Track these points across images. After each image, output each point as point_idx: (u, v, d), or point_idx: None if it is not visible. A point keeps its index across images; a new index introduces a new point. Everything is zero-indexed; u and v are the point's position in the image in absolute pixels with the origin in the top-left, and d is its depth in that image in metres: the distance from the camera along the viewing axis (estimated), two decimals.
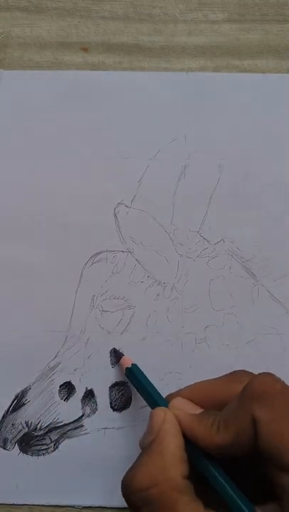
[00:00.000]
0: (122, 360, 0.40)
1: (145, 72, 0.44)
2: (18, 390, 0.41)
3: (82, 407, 0.41)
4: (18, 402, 0.41)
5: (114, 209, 0.43)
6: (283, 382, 0.31)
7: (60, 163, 0.43)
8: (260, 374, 0.31)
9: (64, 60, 0.44)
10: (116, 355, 0.41)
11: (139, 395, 0.39)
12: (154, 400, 0.35)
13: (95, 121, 0.43)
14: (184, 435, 0.32)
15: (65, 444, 0.41)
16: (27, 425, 0.41)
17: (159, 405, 0.34)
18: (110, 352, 0.41)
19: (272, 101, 0.44)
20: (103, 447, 0.40)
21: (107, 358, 0.41)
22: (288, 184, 0.43)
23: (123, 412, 0.41)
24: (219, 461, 0.31)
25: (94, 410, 0.41)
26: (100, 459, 0.40)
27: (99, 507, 0.40)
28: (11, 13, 0.45)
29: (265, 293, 0.42)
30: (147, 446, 0.31)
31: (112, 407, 0.41)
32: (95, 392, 0.41)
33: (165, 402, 0.35)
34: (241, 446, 0.29)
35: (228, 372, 0.35)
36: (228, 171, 0.43)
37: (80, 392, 0.41)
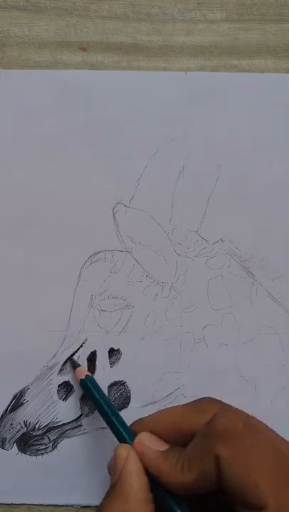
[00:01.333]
0: (77, 371, 0.39)
1: (143, 71, 0.44)
2: (17, 390, 0.41)
3: (81, 407, 0.41)
4: (17, 402, 0.41)
5: (113, 208, 0.43)
6: (247, 418, 0.30)
7: (59, 162, 0.43)
8: (223, 410, 0.31)
9: (62, 59, 0.44)
10: (73, 365, 0.41)
11: (138, 395, 0.40)
12: (118, 431, 0.35)
13: (93, 121, 0.43)
14: (149, 473, 0.32)
15: (63, 443, 0.41)
16: (25, 425, 0.41)
17: (124, 438, 0.34)
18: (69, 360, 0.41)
19: (271, 101, 0.44)
20: (102, 447, 0.40)
21: (105, 358, 0.41)
22: (287, 184, 0.43)
23: (122, 411, 0.41)
24: (186, 499, 0.31)
25: (93, 410, 0.41)
26: (99, 458, 0.40)
27: (97, 506, 0.40)
28: (9, 13, 0.45)
29: (263, 292, 0.42)
30: (111, 488, 0.32)
31: None
32: None
33: (129, 432, 0.34)
34: (206, 485, 0.29)
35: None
36: (226, 171, 0.43)
37: (78, 392, 0.41)
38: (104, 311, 0.42)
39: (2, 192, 0.43)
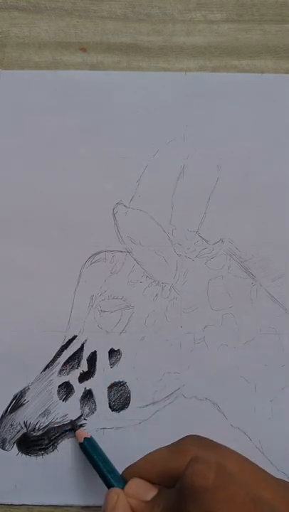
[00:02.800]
0: (76, 434, 0.40)
1: (144, 72, 0.44)
2: (17, 391, 0.41)
3: (81, 407, 0.41)
4: (17, 403, 0.41)
5: (113, 209, 0.43)
6: (218, 468, 0.30)
7: (59, 163, 0.43)
8: (195, 461, 0.31)
9: (62, 60, 0.44)
10: (73, 426, 0.41)
11: (138, 396, 0.39)
12: (108, 479, 0.36)
13: (93, 122, 0.43)
14: None
15: (63, 444, 0.41)
16: (25, 425, 0.41)
17: (114, 485, 0.35)
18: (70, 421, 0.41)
19: (271, 101, 0.44)
20: (102, 447, 0.40)
21: (105, 359, 0.41)
22: (287, 184, 0.43)
23: (122, 412, 0.41)
24: None
25: (93, 410, 0.41)
26: None
27: (97, 506, 0.40)
28: (10, 13, 0.45)
29: (263, 293, 0.42)
30: None
31: (110, 407, 0.41)
32: (94, 392, 0.41)
33: (120, 479, 0.35)
34: None
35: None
36: (226, 171, 0.43)
37: (78, 393, 0.41)
38: (104, 311, 0.42)
39: (2, 192, 0.43)
